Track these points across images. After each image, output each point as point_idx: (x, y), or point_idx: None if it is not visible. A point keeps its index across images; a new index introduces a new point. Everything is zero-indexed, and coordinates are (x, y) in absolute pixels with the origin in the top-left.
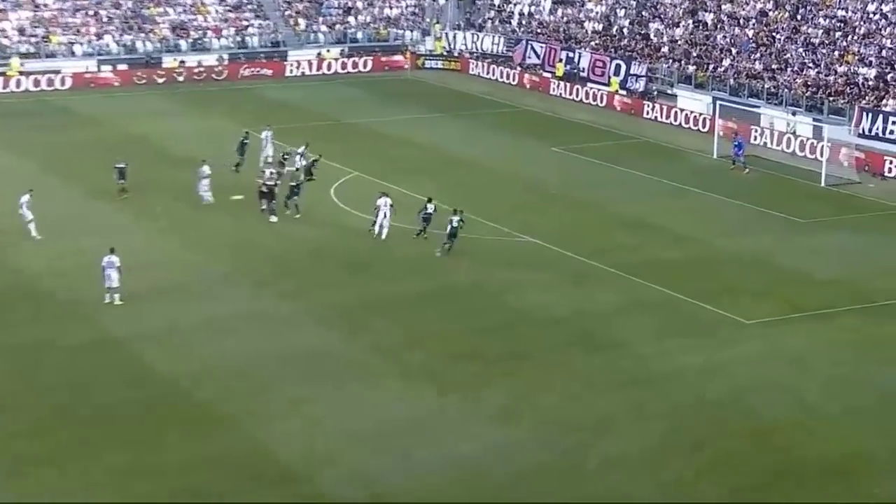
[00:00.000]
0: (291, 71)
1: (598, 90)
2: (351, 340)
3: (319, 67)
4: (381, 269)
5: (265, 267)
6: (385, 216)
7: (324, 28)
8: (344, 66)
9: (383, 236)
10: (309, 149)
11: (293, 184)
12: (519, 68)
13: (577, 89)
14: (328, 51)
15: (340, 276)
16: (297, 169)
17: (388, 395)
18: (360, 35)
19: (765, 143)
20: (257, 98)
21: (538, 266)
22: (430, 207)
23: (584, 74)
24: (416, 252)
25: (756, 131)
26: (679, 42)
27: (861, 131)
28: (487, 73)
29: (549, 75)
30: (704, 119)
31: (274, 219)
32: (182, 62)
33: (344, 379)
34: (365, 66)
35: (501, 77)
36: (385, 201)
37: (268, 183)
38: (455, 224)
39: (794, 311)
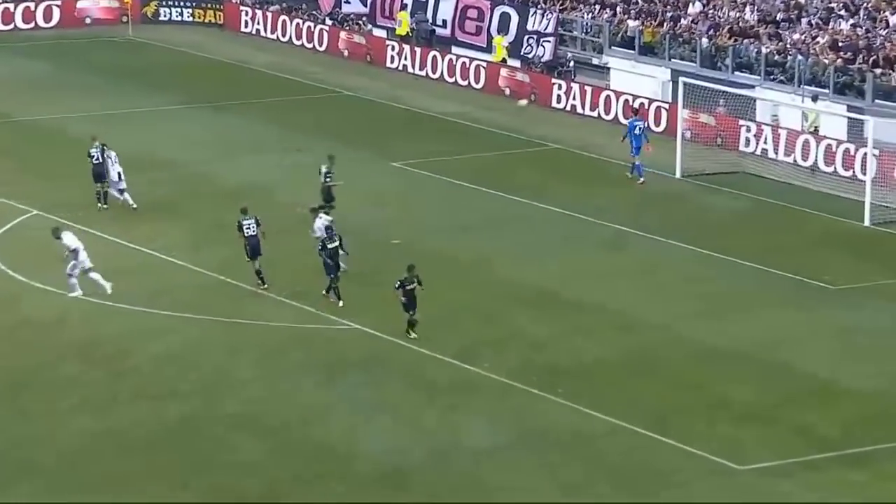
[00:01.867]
0: None
1: (473, 60)
2: None
3: None
4: (60, 391)
5: None
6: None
7: None
8: (8, 19)
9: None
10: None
11: None
12: (330, 22)
13: (435, 59)
14: None
15: None
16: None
17: None
18: None
19: (764, 151)
20: None
21: (368, 373)
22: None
23: (447, 32)
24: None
25: (748, 130)
26: None
27: None
28: (273, 30)
29: (383, 34)
30: (659, 109)
31: None
32: None
33: None
34: (48, 18)
35: (298, 38)
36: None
37: None
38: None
39: (816, 449)
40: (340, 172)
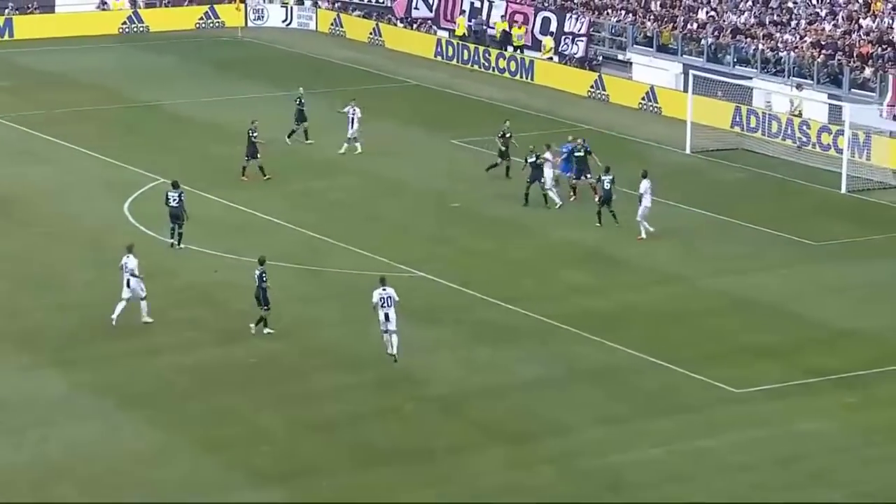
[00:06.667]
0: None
1: (521, 56)
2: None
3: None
4: (175, 325)
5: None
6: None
7: None
8: (135, 19)
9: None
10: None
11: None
12: (401, 24)
13: (487, 55)
14: None
15: (113, 343)
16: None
17: None
18: None
19: (760, 130)
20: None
21: (432, 315)
22: None
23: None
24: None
25: (743, 115)
26: None
27: None
28: (351, 31)
29: (446, 34)
30: (673, 97)
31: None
32: None
33: None
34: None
35: (375, 36)
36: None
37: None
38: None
39: (808, 376)
40: (404, 153)
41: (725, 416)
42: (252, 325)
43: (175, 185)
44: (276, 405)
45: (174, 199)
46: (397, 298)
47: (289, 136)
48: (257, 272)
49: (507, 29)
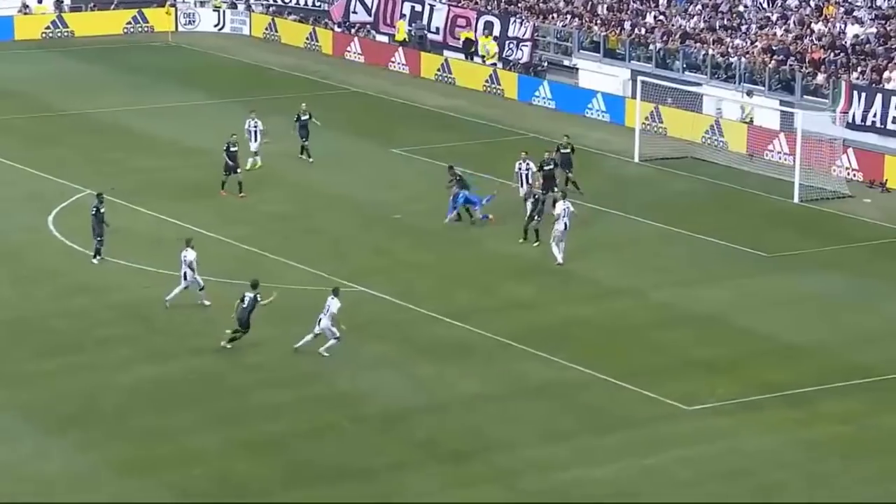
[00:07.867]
0: None
1: (463, 61)
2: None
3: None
4: (112, 346)
5: None
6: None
7: None
8: (59, 24)
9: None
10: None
11: None
12: (339, 29)
13: (430, 59)
14: (40, 2)
15: (41, 362)
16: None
17: None
18: None
19: (712, 139)
20: None
21: (373, 331)
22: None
23: (439, 38)
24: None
25: (694, 122)
26: None
27: (850, 119)
28: (287, 35)
29: (385, 39)
30: (621, 103)
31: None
32: None
33: None
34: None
35: (313, 41)
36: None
37: None
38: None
39: (755, 392)
40: (344, 162)
41: (672, 432)
42: (226, 344)
43: (99, 196)
44: (211, 424)
45: (93, 209)
46: (335, 311)
47: (301, 152)
48: (249, 295)
49: (473, 38)
